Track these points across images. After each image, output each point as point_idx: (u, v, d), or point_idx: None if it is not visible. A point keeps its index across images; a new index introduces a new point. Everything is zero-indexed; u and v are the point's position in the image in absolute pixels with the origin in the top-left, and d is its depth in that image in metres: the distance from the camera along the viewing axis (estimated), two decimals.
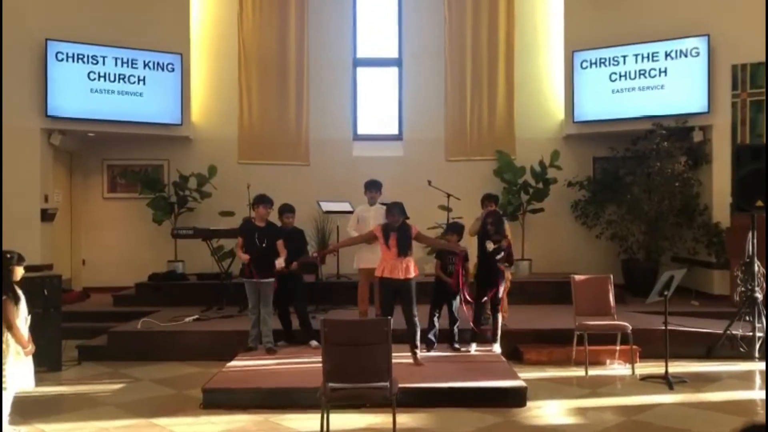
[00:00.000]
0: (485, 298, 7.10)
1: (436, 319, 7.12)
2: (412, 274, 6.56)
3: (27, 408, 5.51)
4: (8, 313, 4.96)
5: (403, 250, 6.50)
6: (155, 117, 10.59)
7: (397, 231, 6.54)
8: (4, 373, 4.93)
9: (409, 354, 6.53)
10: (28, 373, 5.11)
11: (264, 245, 7.08)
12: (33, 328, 5.24)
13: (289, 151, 11.26)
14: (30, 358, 5.13)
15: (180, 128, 10.80)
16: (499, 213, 7.42)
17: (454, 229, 7.38)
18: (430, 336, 7.08)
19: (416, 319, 6.55)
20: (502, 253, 7.06)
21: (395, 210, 6.59)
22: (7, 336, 4.97)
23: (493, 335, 7.18)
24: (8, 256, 5.12)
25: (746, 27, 9.31)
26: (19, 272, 5.16)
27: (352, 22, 11.61)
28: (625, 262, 10.31)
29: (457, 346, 7.13)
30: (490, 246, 7.02)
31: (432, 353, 6.97)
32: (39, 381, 5.36)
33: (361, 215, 7.87)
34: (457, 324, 7.18)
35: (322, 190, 10.26)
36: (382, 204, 8.01)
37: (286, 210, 7.49)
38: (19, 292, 5.12)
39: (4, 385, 4.92)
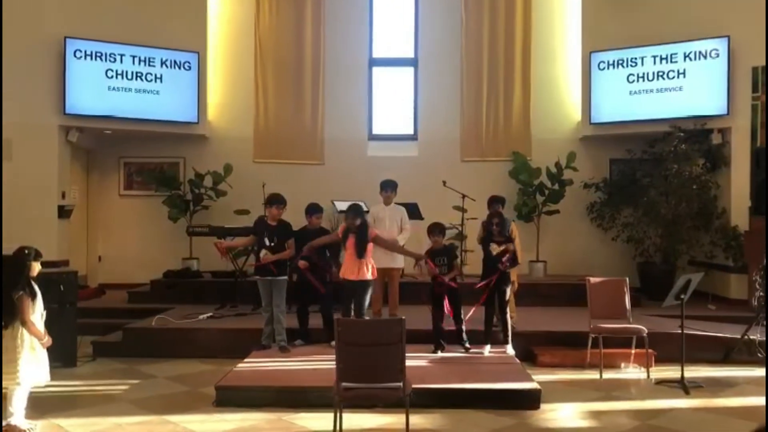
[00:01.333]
0: (468, 309, 7.08)
1: (438, 322, 7.06)
2: (368, 276, 6.77)
3: (42, 403, 5.55)
4: (24, 309, 5.00)
5: (359, 251, 6.70)
6: (172, 115, 10.65)
7: (356, 233, 6.73)
8: (18, 368, 4.97)
9: (425, 355, 6.51)
10: (43, 367, 5.16)
11: (273, 244, 7.10)
12: (49, 324, 5.29)
13: (304, 151, 11.28)
14: (45, 354, 5.17)
15: (196, 126, 10.85)
16: (503, 214, 7.34)
17: (436, 229, 7.28)
18: (440, 340, 7.06)
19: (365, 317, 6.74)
20: (507, 255, 6.99)
21: (351, 213, 6.79)
22: (22, 331, 5.01)
23: (504, 336, 7.14)
24: (26, 251, 5.17)
25: None
26: (36, 268, 5.21)
27: (368, 22, 11.60)
28: (641, 265, 10.22)
29: (467, 346, 7.08)
30: (495, 249, 6.98)
31: (445, 354, 6.95)
32: (54, 376, 5.40)
33: (377, 215, 7.87)
34: (462, 324, 7.13)
35: (337, 189, 10.25)
36: (398, 204, 8.03)
37: (314, 210, 7.49)
38: (36, 287, 5.16)
39: (17, 380, 4.97)
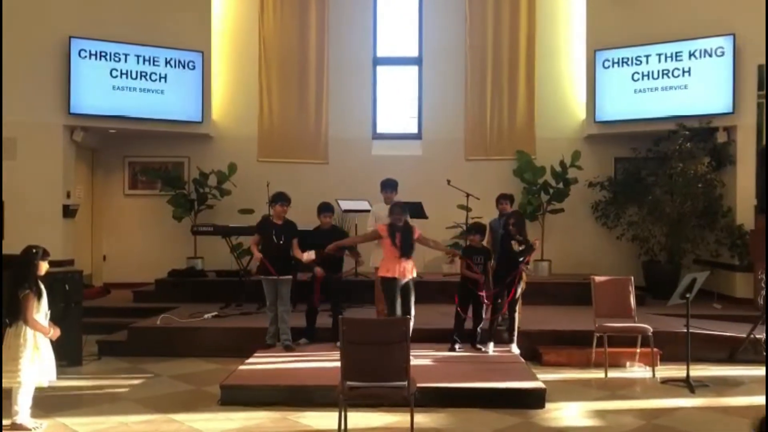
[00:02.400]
0: (498, 300, 7.07)
1: (462, 320, 7.08)
2: (414, 274, 6.67)
3: (48, 402, 5.57)
4: (28, 307, 5.01)
5: (407, 250, 6.56)
6: (176, 114, 10.67)
7: (402, 231, 6.58)
8: (19, 367, 4.97)
9: (429, 354, 6.51)
10: (48, 366, 5.16)
11: (281, 242, 7.10)
12: (54, 323, 5.30)
13: (308, 150, 11.29)
14: (51, 353, 5.18)
15: (200, 126, 10.86)
16: (520, 213, 7.36)
17: (477, 229, 7.33)
18: (455, 336, 7.06)
19: (413, 320, 6.54)
20: (529, 256, 7.01)
21: (397, 209, 6.65)
22: (26, 330, 5.02)
23: (509, 335, 7.15)
24: (34, 251, 5.18)
25: None
26: (44, 267, 5.22)
27: (372, 21, 11.60)
28: (647, 264, 10.19)
29: (479, 346, 7.08)
30: (516, 246, 6.97)
31: (450, 354, 6.95)
32: (60, 375, 5.42)
33: (378, 214, 7.84)
34: (481, 324, 7.14)
35: (341, 188, 10.26)
36: (397, 202, 8.02)
37: (326, 209, 7.47)
38: (42, 287, 5.17)
39: (18, 379, 4.97)
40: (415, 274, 6.68)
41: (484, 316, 7.14)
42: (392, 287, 6.57)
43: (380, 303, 7.63)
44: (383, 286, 6.70)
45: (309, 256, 7.03)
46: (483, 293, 7.03)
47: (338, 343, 7.00)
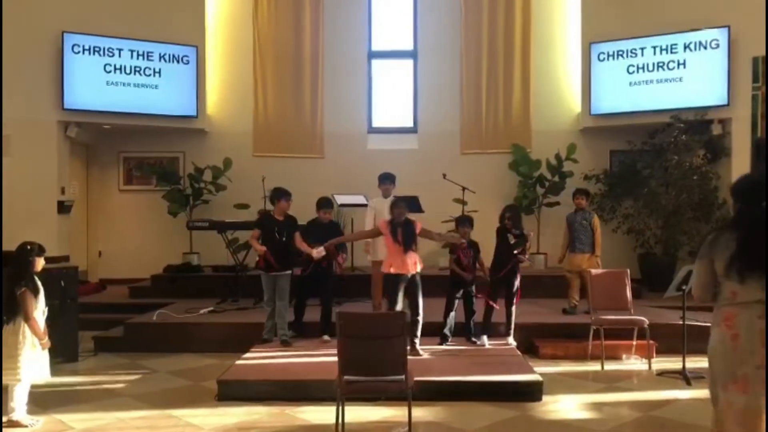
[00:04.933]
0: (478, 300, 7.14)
1: (452, 314, 7.09)
2: (419, 268, 6.64)
3: (44, 398, 5.56)
4: (27, 305, 5.00)
5: (409, 245, 6.56)
6: (171, 109, 10.63)
7: (403, 226, 6.59)
8: (18, 364, 4.97)
9: (427, 347, 6.53)
10: (43, 364, 5.15)
11: (284, 238, 7.09)
12: (50, 319, 5.29)
13: (304, 144, 11.26)
14: (46, 351, 5.17)
15: (195, 121, 10.83)
16: (516, 206, 7.39)
17: (466, 221, 7.33)
18: (446, 331, 7.07)
19: (421, 312, 6.61)
20: (524, 247, 7.02)
21: (401, 205, 6.66)
22: (24, 327, 5.01)
23: (506, 329, 7.16)
24: (28, 247, 5.16)
25: None
26: (40, 263, 5.20)
27: (367, 14, 11.56)
28: (642, 257, 10.22)
29: (474, 339, 7.10)
30: (512, 239, 6.98)
31: (447, 347, 6.96)
32: (56, 372, 5.41)
33: (377, 207, 7.85)
34: (473, 317, 7.15)
35: (337, 182, 10.24)
36: (397, 197, 8.01)
37: (325, 205, 7.46)
38: (39, 283, 5.16)
39: (18, 376, 4.96)
40: (419, 269, 6.66)
41: (475, 308, 7.15)
42: (395, 283, 6.57)
43: (377, 297, 7.66)
44: (386, 282, 6.71)
45: (319, 253, 7.00)
46: (474, 289, 7.07)
47: (325, 337, 7.10)
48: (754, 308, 3.28)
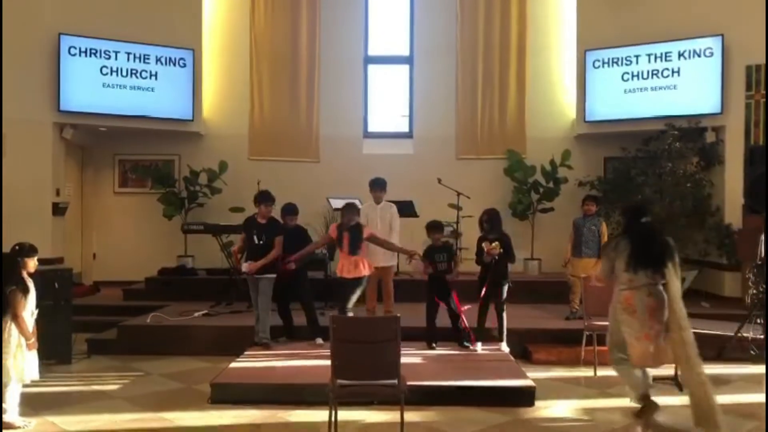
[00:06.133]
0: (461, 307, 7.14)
1: (434, 320, 7.12)
2: (364, 272, 6.87)
3: (37, 400, 5.55)
4: (15, 304, 4.99)
5: (353, 249, 6.82)
6: (167, 112, 10.63)
7: (350, 230, 6.82)
8: (4, 364, 4.95)
9: (420, 352, 6.60)
10: (32, 364, 5.14)
11: (262, 242, 7.11)
12: (43, 321, 5.29)
13: (299, 148, 11.28)
14: (34, 351, 5.16)
15: (191, 124, 10.84)
16: (495, 211, 7.35)
17: (436, 227, 7.29)
18: (429, 335, 7.10)
19: (348, 312, 6.83)
20: (492, 247, 6.95)
21: (348, 210, 6.91)
22: (10, 327, 5.00)
23: (499, 334, 7.17)
24: (17, 247, 5.16)
25: (761, 27, 9.19)
26: (31, 264, 5.19)
27: (363, 19, 11.60)
28: None
29: (466, 344, 7.11)
30: (487, 246, 6.99)
31: (440, 352, 6.98)
32: (49, 373, 5.41)
33: (368, 214, 7.82)
34: (459, 321, 7.16)
35: (332, 186, 10.25)
36: (392, 202, 8.03)
37: (289, 212, 7.47)
38: (30, 284, 5.15)
39: (5, 379, 4.95)
40: (365, 272, 6.88)
41: (456, 311, 7.16)
42: (343, 285, 6.87)
43: (370, 301, 7.67)
44: (337, 285, 7.00)
45: (248, 268, 7.09)
46: (455, 298, 7.09)
47: (318, 340, 7.11)
48: (643, 290, 5.05)
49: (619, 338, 5.19)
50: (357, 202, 9.17)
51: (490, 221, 7.16)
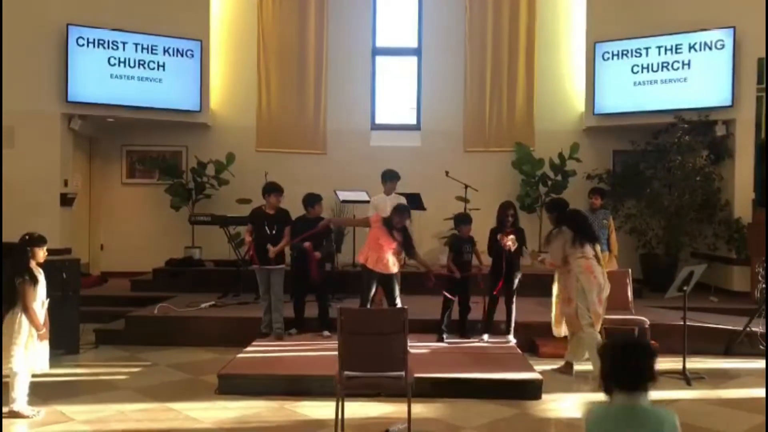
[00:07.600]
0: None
1: (449, 312, 7.11)
2: (396, 268, 6.93)
3: (45, 390, 5.57)
4: (26, 295, 5.00)
5: (409, 250, 6.91)
6: (174, 103, 10.63)
7: (402, 231, 6.81)
8: (12, 353, 4.97)
9: (427, 344, 6.61)
10: (42, 355, 5.16)
11: (273, 233, 7.10)
12: (51, 312, 5.30)
13: (306, 140, 11.26)
14: (46, 341, 5.17)
15: (199, 115, 10.83)
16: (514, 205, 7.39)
17: (466, 220, 7.31)
18: (443, 327, 7.09)
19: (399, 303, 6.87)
20: (509, 238, 6.97)
21: (403, 213, 6.82)
22: (21, 318, 5.01)
23: (506, 327, 7.16)
24: (27, 237, 5.17)
25: None
26: (40, 254, 5.20)
27: (371, 11, 11.55)
28: (644, 257, 10.20)
29: (474, 337, 7.10)
30: (505, 240, 6.97)
31: (446, 344, 6.98)
32: (57, 364, 5.43)
33: (378, 205, 7.84)
34: (469, 314, 7.17)
35: (340, 179, 10.23)
36: (400, 194, 8.02)
37: (313, 201, 7.44)
38: (39, 274, 5.16)
39: (10, 365, 4.96)
40: (396, 269, 6.92)
41: (470, 305, 7.19)
42: (369, 278, 6.85)
43: (378, 293, 7.65)
44: (362, 274, 6.90)
45: (272, 252, 7.09)
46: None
47: (326, 332, 7.11)
48: (593, 260, 6.12)
49: (586, 303, 6.05)
50: (365, 193, 9.20)
51: (515, 215, 7.16)
